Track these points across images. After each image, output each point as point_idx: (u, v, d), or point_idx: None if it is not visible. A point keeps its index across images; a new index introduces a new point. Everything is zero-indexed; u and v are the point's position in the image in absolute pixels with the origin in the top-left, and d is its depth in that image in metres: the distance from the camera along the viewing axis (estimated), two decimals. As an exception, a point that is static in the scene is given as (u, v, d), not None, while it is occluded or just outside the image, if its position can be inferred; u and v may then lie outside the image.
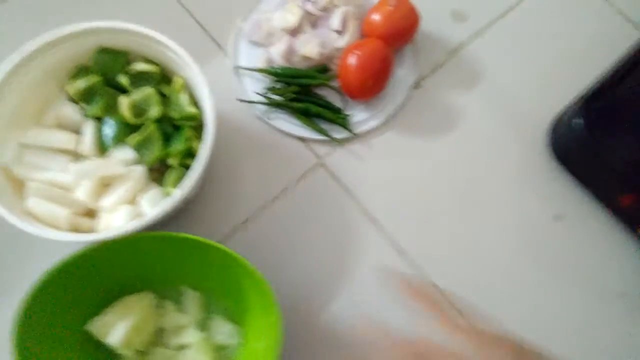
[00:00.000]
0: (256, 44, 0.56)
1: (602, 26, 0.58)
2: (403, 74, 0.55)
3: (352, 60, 0.51)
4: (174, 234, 0.42)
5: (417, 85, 0.56)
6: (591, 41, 0.57)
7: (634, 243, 0.50)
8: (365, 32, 0.54)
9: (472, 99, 0.56)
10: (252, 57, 0.56)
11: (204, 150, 0.43)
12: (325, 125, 0.54)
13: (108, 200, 0.45)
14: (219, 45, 0.57)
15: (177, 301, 0.47)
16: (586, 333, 0.49)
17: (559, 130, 0.51)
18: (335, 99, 0.54)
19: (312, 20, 0.56)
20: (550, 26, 0.58)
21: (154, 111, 0.47)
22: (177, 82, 0.48)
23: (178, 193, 0.42)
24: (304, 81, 0.53)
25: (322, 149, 0.54)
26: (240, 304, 0.45)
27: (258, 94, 0.54)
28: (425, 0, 0.58)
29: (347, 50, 0.52)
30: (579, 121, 0.48)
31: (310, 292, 0.49)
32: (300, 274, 0.50)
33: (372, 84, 0.52)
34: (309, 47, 0.53)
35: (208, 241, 0.41)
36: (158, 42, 0.46)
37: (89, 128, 0.47)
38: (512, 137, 0.54)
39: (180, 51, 0.45)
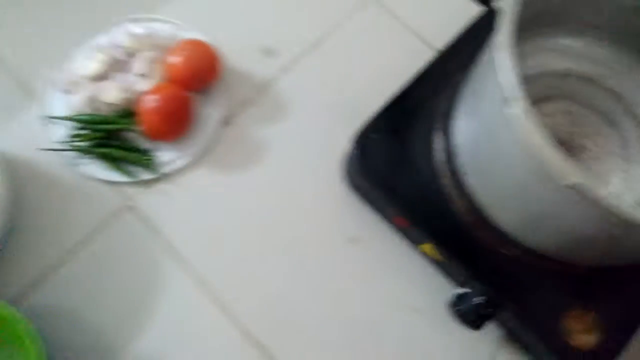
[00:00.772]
0: (65, 92, 0.57)
1: (402, 52, 0.62)
2: (211, 112, 0.57)
3: (147, 104, 0.53)
4: None
5: (226, 122, 0.58)
6: (393, 68, 0.60)
7: (422, 260, 0.54)
8: (166, 76, 0.56)
9: (279, 133, 0.58)
10: (60, 105, 0.57)
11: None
12: (132, 168, 0.55)
13: None
14: (29, 94, 0.57)
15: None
16: (390, 348, 0.52)
17: (348, 158, 0.54)
18: (144, 142, 0.56)
19: (119, 66, 0.57)
20: (354, 57, 0.62)
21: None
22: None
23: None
24: (107, 127, 0.55)
25: (130, 192, 0.55)
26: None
27: (64, 141, 0.55)
28: (236, 36, 0.61)
29: (145, 95, 0.54)
30: (355, 150, 0.51)
31: (113, 338, 0.50)
32: (106, 318, 0.51)
33: (169, 127, 0.53)
34: (110, 93, 0.55)
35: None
36: None
37: None
38: (313, 167, 0.57)
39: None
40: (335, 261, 0.54)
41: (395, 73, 0.58)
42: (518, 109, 0.31)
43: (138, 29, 0.58)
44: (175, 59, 0.54)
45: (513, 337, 0.52)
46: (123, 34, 0.57)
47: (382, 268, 0.54)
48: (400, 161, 0.51)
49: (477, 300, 0.47)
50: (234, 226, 0.55)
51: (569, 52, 0.49)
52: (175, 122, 0.53)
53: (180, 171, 0.56)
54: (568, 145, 0.49)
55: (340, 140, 0.57)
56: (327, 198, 0.56)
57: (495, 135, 0.37)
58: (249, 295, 0.52)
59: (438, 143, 0.50)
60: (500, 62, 0.33)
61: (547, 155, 0.30)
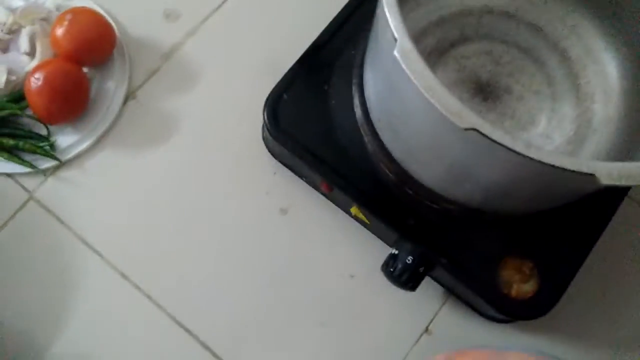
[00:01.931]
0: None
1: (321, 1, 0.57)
2: (111, 87, 0.52)
3: (32, 85, 0.47)
4: None
5: (131, 96, 0.53)
6: (312, 18, 0.56)
7: (355, 225, 0.51)
8: (55, 51, 0.50)
9: (190, 101, 0.53)
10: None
11: None
12: (31, 157, 0.50)
13: None
14: None
15: None
16: (332, 318, 0.49)
17: (262, 123, 0.50)
18: (41, 127, 0.51)
19: (2, 47, 0.51)
20: (267, 10, 0.56)
21: None
22: None
23: None
24: (-7, 114, 0.49)
25: (32, 183, 0.50)
26: None
27: (-54, 135, 0.49)
28: (138, 2, 0.56)
29: (29, 74, 0.48)
30: (267, 113, 0.47)
31: (34, 339, 0.47)
32: (23, 320, 0.47)
33: (60, 107, 0.48)
34: (-8, 76, 0.49)
35: None
36: None
37: None
38: (232, 136, 0.53)
39: None
40: (266, 234, 0.51)
41: (314, 24, 0.53)
42: (403, 49, 0.28)
43: (17, 1, 0.52)
44: (61, 31, 0.49)
45: (453, 293, 0.50)
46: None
47: (315, 237, 0.51)
48: (319, 121, 0.48)
49: (407, 260, 0.44)
50: (150, 209, 0.50)
51: (486, -14, 0.45)
52: (67, 101, 0.48)
53: (83, 155, 0.51)
54: (492, 87, 0.46)
55: (260, 104, 0.53)
56: (251, 168, 0.52)
57: (395, 84, 0.33)
58: (174, 281, 0.49)
59: (357, 98, 0.46)
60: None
61: (439, 96, 0.27)
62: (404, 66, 0.27)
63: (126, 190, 0.51)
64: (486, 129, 0.27)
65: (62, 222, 0.49)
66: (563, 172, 0.27)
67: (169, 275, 0.49)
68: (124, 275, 0.48)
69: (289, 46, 0.53)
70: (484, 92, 0.45)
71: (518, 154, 0.26)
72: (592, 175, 0.26)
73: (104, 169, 0.51)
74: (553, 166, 0.26)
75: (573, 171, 0.26)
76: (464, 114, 0.27)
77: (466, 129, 0.27)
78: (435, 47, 0.46)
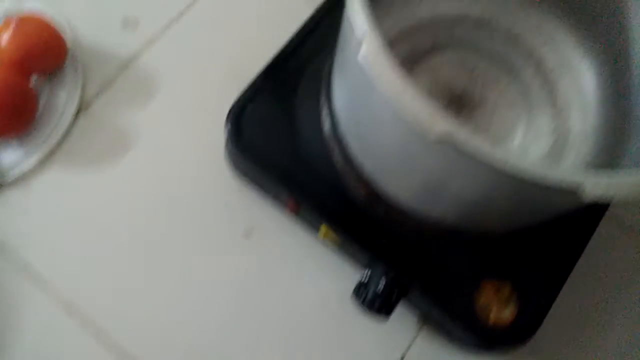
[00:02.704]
0: None
1: (286, 6, 0.54)
2: (62, 99, 0.48)
3: (-29, 96, 0.43)
4: None
5: (83, 108, 0.49)
6: (280, 26, 0.53)
7: (323, 248, 0.48)
8: (-1, 59, 0.47)
9: (148, 114, 0.50)
10: None
11: None
12: (-31, 175, 0.46)
13: None
14: None
15: None
16: (300, 349, 0.46)
17: (225, 136, 0.47)
18: (-18, 142, 0.47)
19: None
20: (232, 17, 0.54)
21: None
22: None
23: None
24: None
25: (-29, 205, 0.46)
26: None
27: None
28: (90, 8, 0.52)
29: (-32, 85, 0.44)
30: (230, 126, 0.43)
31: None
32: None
33: (2, 120, 0.44)
34: None
35: None
36: None
37: None
38: (193, 151, 0.49)
39: None
40: (228, 259, 0.47)
41: (282, 32, 0.50)
42: (368, 50, 0.25)
43: (-42, 5, 0.48)
44: (5, 38, 0.45)
45: (429, 320, 0.46)
46: (-61, 14, 0.47)
47: (281, 261, 0.47)
48: (286, 134, 0.44)
49: (379, 284, 0.41)
50: (102, 233, 0.46)
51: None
52: (10, 114, 0.44)
53: (29, 174, 0.47)
54: (466, 98, 0.43)
55: (223, 116, 0.50)
56: (213, 186, 0.49)
57: (362, 92, 0.30)
58: (127, 311, 0.45)
59: (325, 110, 0.43)
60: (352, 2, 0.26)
61: (409, 101, 0.24)
62: (369, 69, 0.25)
63: (77, 213, 0.46)
64: (462, 136, 0.24)
65: (5, 249, 0.45)
66: (546, 184, 0.24)
67: (122, 306, 0.45)
68: (71, 307, 0.44)
69: (255, 55, 0.50)
70: (458, 103, 0.43)
71: (497, 165, 0.24)
72: (576, 186, 0.24)
73: (52, 189, 0.47)
74: (536, 177, 0.24)
75: (556, 183, 0.24)
76: (437, 120, 0.24)
77: (438, 138, 0.24)
78: (407, 57, 0.44)
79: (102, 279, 0.45)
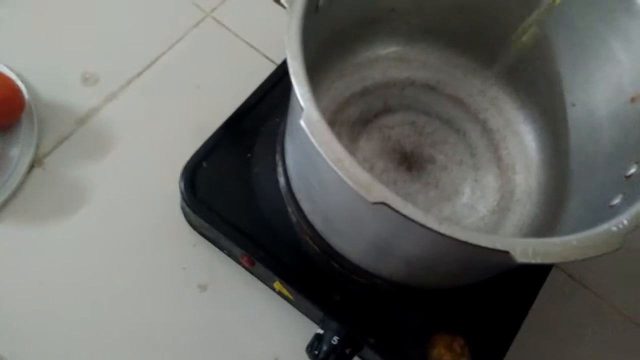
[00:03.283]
0: None
1: (245, 69, 0.56)
2: (17, 154, 0.48)
3: None
4: None
5: (37, 163, 0.49)
6: (237, 86, 0.55)
7: (278, 302, 0.47)
8: (-48, 113, 0.46)
9: (104, 169, 0.50)
10: None
11: None
12: None
13: None
14: None
15: None
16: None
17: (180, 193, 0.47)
18: None
19: None
20: (192, 77, 0.55)
21: None
22: None
23: None
24: None
25: None
26: None
27: None
28: (50, 64, 0.53)
29: None
30: (184, 183, 0.44)
31: None
32: None
33: (-50, 175, 0.44)
34: None
35: None
36: None
37: None
38: (149, 207, 0.49)
39: None
40: (183, 313, 0.46)
41: (239, 91, 0.52)
42: (309, 118, 0.26)
43: None
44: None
45: (384, 375, 0.46)
46: None
47: (236, 315, 0.47)
48: (241, 191, 0.45)
49: (333, 340, 0.41)
50: (54, 291, 0.45)
51: (406, 60, 0.46)
52: (-40, 168, 0.44)
53: (-23, 228, 0.46)
54: (416, 157, 0.45)
55: (175, 174, 0.50)
56: (169, 241, 0.48)
57: (308, 155, 0.31)
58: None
59: (280, 167, 0.44)
60: (292, 67, 0.28)
61: (347, 168, 0.25)
62: (310, 136, 0.26)
63: (27, 270, 0.45)
64: (397, 203, 0.25)
65: (-56, 305, 0.43)
66: (478, 248, 0.25)
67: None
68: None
69: (215, 112, 0.51)
70: (408, 161, 0.45)
71: (431, 230, 0.25)
72: (507, 252, 0.25)
73: (3, 243, 0.46)
74: (467, 243, 0.25)
75: (487, 248, 0.25)
76: (373, 187, 0.25)
77: (375, 203, 0.25)
78: (359, 117, 0.46)
79: (52, 337, 0.43)
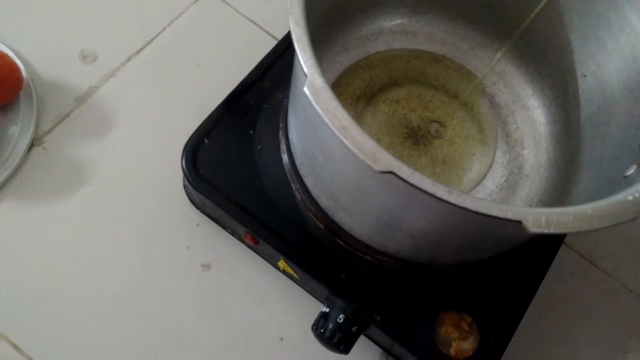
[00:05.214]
0: None
1: (247, 45, 0.55)
2: (16, 132, 0.47)
3: None
4: None
5: (37, 142, 0.48)
6: (238, 62, 0.53)
7: (283, 281, 0.47)
8: (-52, 92, 0.45)
9: (104, 148, 0.49)
10: None
11: None
12: None
13: None
14: None
15: None
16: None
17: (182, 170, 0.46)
18: None
19: None
20: (194, 54, 0.54)
21: None
22: None
23: None
24: None
25: None
26: None
27: None
28: (48, 42, 0.52)
29: None
30: (186, 160, 0.43)
31: None
32: None
33: (-51, 153, 0.43)
34: None
35: None
36: None
37: None
38: (151, 186, 0.48)
39: None
40: (187, 293, 0.46)
41: (240, 68, 0.51)
42: (314, 85, 0.25)
43: None
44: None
45: (391, 354, 0.46)
46: None
47: (240, 295, 0.46)
48: (244, 168, 0.44)
49: (339, 318, 0.40)
50: (56, 271, 0.44)
51: (412, 33, 0.45)
52: (-42, 147, 0.43)
53: (-22, 208, 0.45)
54: (423, 131, 0.44)
55: (178, 150, 0.49)
56: (171, 220, 0.48)
57: (312, 125, 0.30)
58: (84, 351, 0.43)
59: (283, 143, 0.43)
60: (295, 32, 0.27)
61: (352, 136, 0.24)
62: (314, 103, 0.25)
63: (29, 250, 0.45)
64: (404, 172, 0.24)
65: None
66: (489, 219, 0.25)
67: (77, 346, 0.43)
68: (19, 348, 0.42)
69: (216, 88, 0.50)
70: (415, 136, 0.44)
71: (440, 199, 0.24)
72: (519, 222, 0.24)
73: (2, 225, 0.45)
74: (477, 212, 0.24)
75: (499, 218, 0.24)
76: (379, 155, 0.24)
77: (382, 172, 0.24)
78: (364, 91, 0.45)
79: (54, 318, 0.43)
